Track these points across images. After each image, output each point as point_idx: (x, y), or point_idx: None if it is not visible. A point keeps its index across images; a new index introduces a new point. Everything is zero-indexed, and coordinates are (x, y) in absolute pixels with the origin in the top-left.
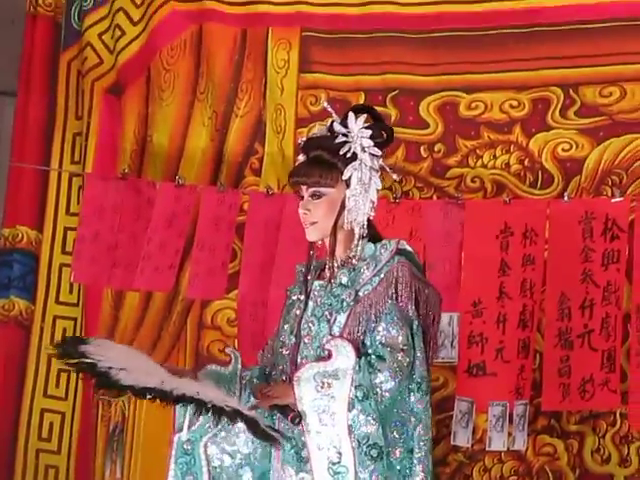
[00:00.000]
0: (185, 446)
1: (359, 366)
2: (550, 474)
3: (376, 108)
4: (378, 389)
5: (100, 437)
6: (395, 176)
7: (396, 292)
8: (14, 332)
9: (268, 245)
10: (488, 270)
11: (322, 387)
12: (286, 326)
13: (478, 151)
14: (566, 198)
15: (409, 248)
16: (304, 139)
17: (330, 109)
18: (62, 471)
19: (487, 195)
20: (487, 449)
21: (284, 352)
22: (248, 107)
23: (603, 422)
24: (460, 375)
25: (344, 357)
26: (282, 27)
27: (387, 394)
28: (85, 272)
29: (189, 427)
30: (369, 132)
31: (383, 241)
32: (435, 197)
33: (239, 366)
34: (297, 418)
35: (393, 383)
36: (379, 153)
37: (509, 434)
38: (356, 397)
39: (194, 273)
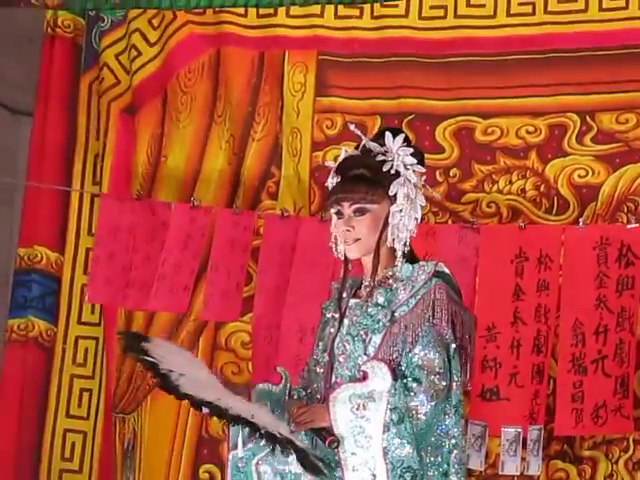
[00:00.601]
0: (239, 464)
1: (395, 389)
2: None
3: None
4: (414, 412)
5: (118, 455)
6: (436, 194)
7: (433, 315)
8: (34, 353)
9: (283, 268)
10: (502, 295)
11: (357, 409)
12: (320, 344)
13: (494, 176)
14: (581, 224)
15: (447, 271)
16: (328, 162)
17: (358, 131)
18: None
19: (502, 220)
20: (500, 473)
21: (318, 370)
22: (265, 131)
23: (616, 448)
24: (473, 399)
25: (380, 379)
26: (299, 50)
27: (423, 417)
28: (100, 292)
29: (244, 444)
30: (411, 150)
31: (421, 262)
32: (450, 222)
33: (288, 385)
34: (335, 443)
35: (429, 407)
36: (423, 170)
37: (523, 459)
38: (391, 420)
39: (209, 295)
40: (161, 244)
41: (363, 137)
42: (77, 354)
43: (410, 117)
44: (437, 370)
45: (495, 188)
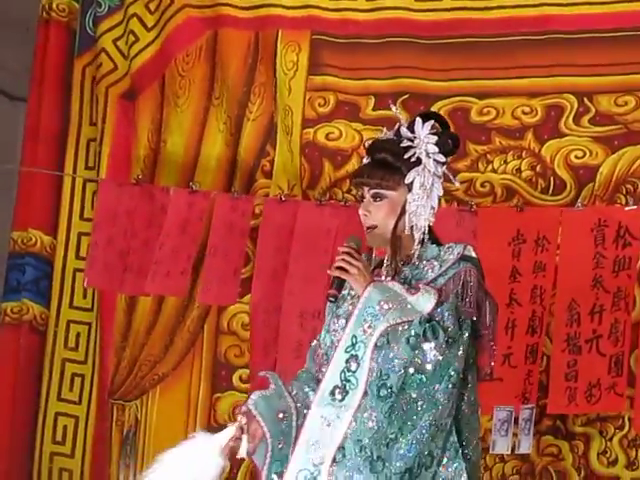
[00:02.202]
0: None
1: (421, 322)
2: (554, 474)
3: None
4: (422, 354)
5: (115, 442)
6: (458, 184)
7: (462, 295)
8: (28, 336)
9: (281, 252)
10: (499, 277)
11: (383, 303)
12: (341, 321)
13: (489, 156)
14: (579, 205)
15: (475, 255)
16: (369, 142)
17: (398, 114)
18: (76, 475)
19: (497, 200)
20: (491, 452)
21: (336, 342)
22: (260, 110)
23: (611, 425)
24: None
25: (421, 304)
26: (292, 30)
27: (428, 365)
28: (98, 277)
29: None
30: (435, 138)
31: (449, 244)
32: (444, 200)
33: (280, 382)
34: (332, 297)
35: (433, 361)
36: (443, 160)
37: (515, 435)
38: (409, 342)
39: (206, 279)
40: (159, 229)
41: (402, 120)
42: (69, 338)
43: (404, 97)
44: (448, 337)
45: (490, 168)
